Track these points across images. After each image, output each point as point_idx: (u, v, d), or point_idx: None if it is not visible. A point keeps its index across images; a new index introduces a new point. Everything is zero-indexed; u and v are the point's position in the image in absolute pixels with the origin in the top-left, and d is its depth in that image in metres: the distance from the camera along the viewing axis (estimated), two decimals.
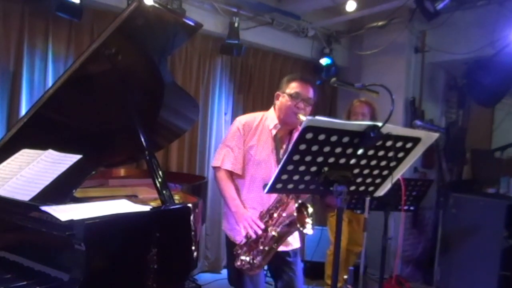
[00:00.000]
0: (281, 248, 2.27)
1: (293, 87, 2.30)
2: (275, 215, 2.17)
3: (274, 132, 2.35)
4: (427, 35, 4.60)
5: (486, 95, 4.11)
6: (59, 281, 1.46)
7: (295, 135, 2.39)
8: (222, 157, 2.34)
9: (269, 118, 2.39)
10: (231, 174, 2.36)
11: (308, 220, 2.08)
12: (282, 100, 2.33)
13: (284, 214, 2.16)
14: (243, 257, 2.18)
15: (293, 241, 2.40)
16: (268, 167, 2.33)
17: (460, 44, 4.24)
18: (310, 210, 2.09)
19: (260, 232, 2.14)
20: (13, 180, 1.71)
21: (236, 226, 2.30)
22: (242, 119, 2.41)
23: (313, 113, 2.18)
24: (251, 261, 2.17)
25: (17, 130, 2.01)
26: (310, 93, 2.31)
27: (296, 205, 2.12)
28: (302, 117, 2.17)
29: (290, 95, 2.28)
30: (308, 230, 2.06)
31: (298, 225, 2.06)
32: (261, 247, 2.15)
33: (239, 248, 2.21)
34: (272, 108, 2.42)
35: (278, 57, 4.88)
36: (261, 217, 2.21)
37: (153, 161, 1.97)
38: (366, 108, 3.44)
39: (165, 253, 1.66)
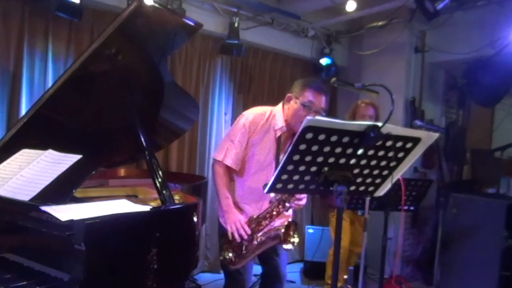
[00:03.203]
0: None
1: (307, 95, 2.25)
2: (263, 223, 2.23)
3: (279, 133, 2.33)
4: (427, 35, 4.60)
5: (486, 95, 4.11)
6: (59, 281, 1.46)
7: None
8: (224, 151, 2.33)
9: (276, 116, 2.35)
10: (229, 169, 2.36)
11: (293, 240, 2.17)
12: (294, 105, 2.28)
13: (272, 225, 2.24)
14: (226, 254, 2.27)
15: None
16: (268, 167, 2.34)
17: (460, 44, 4.23)
18: (296, 239, 2.18)
19: (245, 237, 2.20)
20: (13, 180, 1.71)
21: None
22: (250, 115, 2.36)
23: None
24: (233, 259, 2.25)
25: (17, 130, 2.00)
26: (323, 103, 2.28)
27: (286, 223, 2.20)
28: None
29: (303, 104, 2.24)
30: (288, 246, 2.17)
31: (282, 240, 2.17)
32: (244, 251, 2.22)
33: (226, 243, 2.27)
34: (280, 106, 2.38)
35: (278, 57, 4.88)
36: (249, 222, 2.25)
37: (153, 161, 1.98)
38: (372, 110, 3.42)
39: (165, 253, 1.66)
